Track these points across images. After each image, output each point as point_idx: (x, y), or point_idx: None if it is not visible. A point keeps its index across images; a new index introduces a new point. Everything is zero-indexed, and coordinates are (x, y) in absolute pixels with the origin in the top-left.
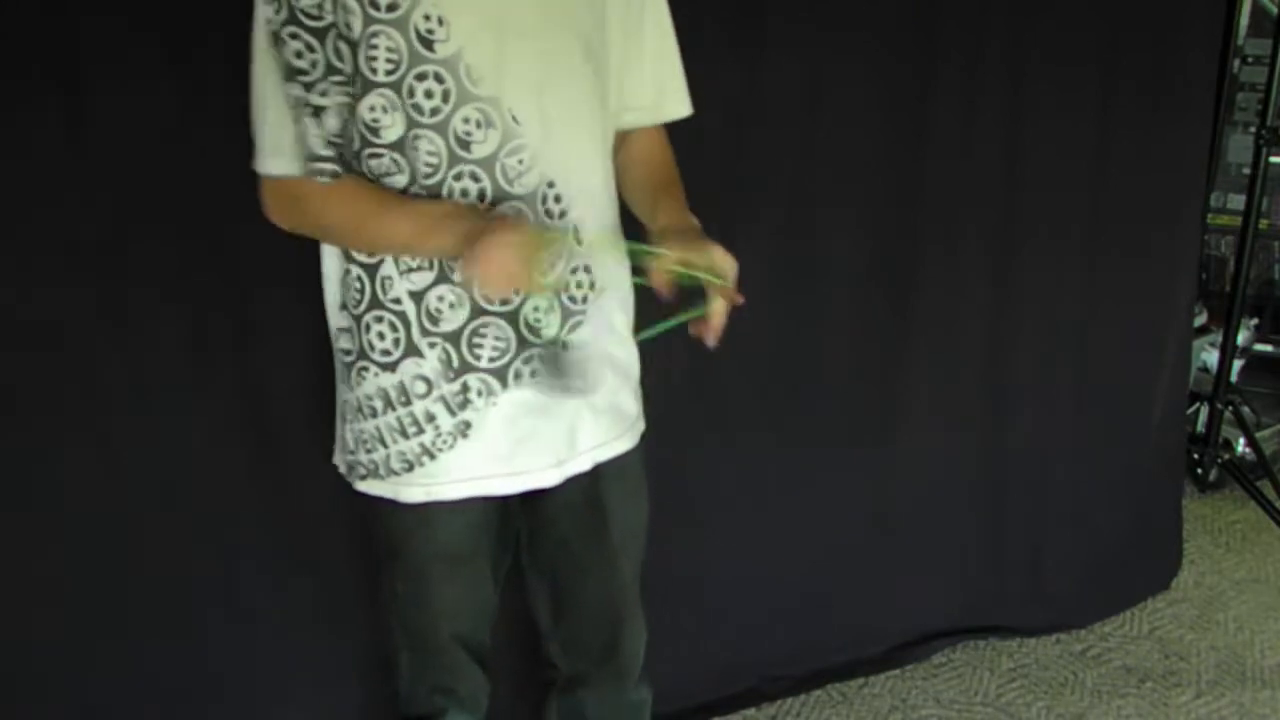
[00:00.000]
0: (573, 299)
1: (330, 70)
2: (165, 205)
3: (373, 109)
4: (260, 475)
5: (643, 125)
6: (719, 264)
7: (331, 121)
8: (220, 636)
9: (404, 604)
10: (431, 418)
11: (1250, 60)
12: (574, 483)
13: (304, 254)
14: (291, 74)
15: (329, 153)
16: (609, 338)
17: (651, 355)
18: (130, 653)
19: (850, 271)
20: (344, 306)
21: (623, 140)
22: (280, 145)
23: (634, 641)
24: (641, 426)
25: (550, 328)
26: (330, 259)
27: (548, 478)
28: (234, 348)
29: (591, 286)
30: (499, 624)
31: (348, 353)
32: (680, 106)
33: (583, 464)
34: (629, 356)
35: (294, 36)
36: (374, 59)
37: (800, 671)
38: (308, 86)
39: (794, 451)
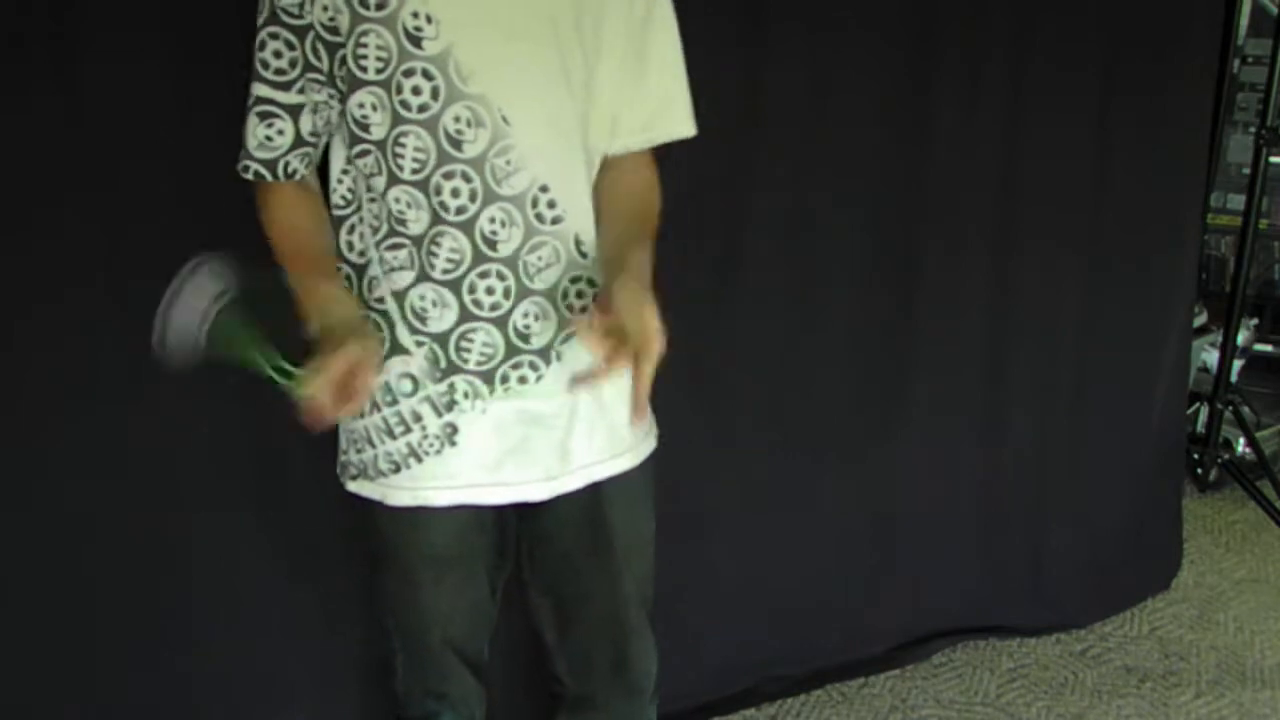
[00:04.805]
0: (570, 309)
1: (309, 68)
2: (167, 206)
3: (361, 105)
4: (261, 476)
5: (633, 149)
6: (638, 330)
7: (306, 121)
8: (220, 638)
9: (396, 605)
10: (418, 417)
11: (1250, 60)
12: (570, 499)
13: None
14: (261, 74)
15: (261, 155)
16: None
17: None
18: (130, 654)
19: (851, 272)
20: None
21: (605, 163)
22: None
23: (644, 659)
24: (651, 445)
25: (542, 336)
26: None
27: (536, 492)
28: None
29: (594, 299)
30: (505, 639)
31: None
32: (683, 125)
33: (575, 482)
34: (629, 374)
35: (274, 36)
36: (363, 57)
37: (800, 671)
38: (284, 86)
39: (794, 451)
